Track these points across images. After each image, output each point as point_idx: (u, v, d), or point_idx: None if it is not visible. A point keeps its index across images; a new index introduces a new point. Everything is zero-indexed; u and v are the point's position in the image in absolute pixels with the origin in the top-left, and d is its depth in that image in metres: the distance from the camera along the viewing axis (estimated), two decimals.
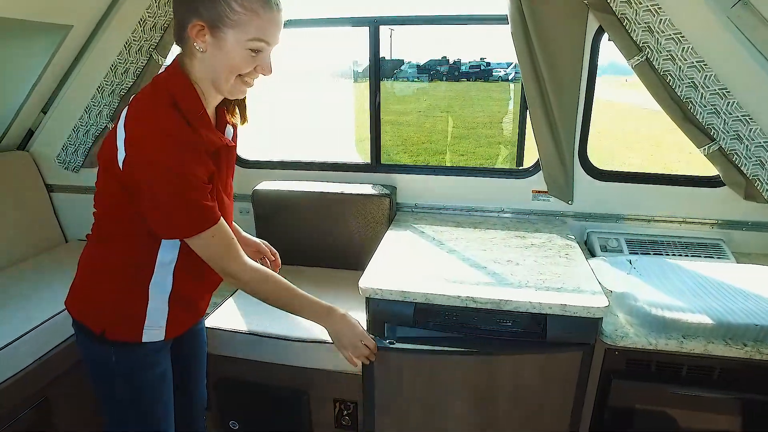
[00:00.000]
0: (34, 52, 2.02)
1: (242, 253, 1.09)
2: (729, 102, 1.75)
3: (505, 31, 1.89)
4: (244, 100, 1.15)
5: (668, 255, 1.87)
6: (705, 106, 1.78)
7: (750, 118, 1.75)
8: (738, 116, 1.76)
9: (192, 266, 1.11)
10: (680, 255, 1.86)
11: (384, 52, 2.16)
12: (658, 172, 1.99)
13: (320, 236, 2.16)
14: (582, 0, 1.77)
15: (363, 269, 1.56)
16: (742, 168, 1.81)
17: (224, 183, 1.15)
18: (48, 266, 2.19)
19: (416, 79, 16.32)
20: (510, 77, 14.73)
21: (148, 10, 2.02)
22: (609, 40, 1.83)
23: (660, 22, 1.72)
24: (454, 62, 16.65)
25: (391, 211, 2.10)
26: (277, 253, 1.48)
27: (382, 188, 2.12)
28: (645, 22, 1.74)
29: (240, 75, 1.01)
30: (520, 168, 2.14)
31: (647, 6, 1.71)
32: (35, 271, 2.14)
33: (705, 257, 1.85)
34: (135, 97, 1.03)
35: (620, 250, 1.89)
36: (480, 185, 2.13)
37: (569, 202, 2.01)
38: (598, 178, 2.00)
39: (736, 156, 1.80)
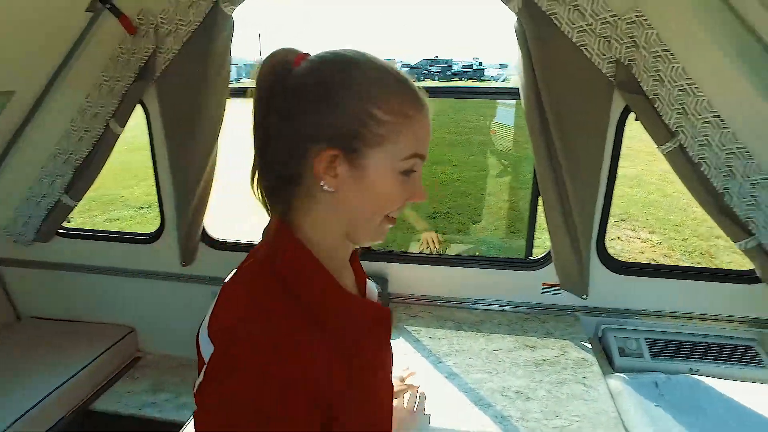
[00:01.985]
0: None
1: None
2: None
3: (500, 32, 1.65)
4: None
5: (694, 359, 1.65)
6: (744, 197, 1.55)
7: None
8: None
9: None
10: (707, 359, 1.65)
11: None
12: (685, 265, 1.77)
13: None
14: (607, 76, 1.53)
15: None
16: None
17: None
18: None
19: None
20: (500, 79, 14.51)
21: (104, 74, 1.75)
22: (636, 119, 1.60)
23: (697, 103, 1.49)
24: (446, 61, 16.39)
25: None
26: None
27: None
28: (680, 103, 1.50)
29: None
30: (530, 259, 1.89)
31: (683, 85, 1.48)
32: None
33: (737, 363, 1.63)
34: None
35: (640, 354, 1.67)
36: (484, 278, 1.88)
37: (584, 297, 1.78)
38: (617, 272, 1.77)
39: None
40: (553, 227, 1.69)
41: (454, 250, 3.79)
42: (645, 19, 1.45)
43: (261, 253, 0.67)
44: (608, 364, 1.68)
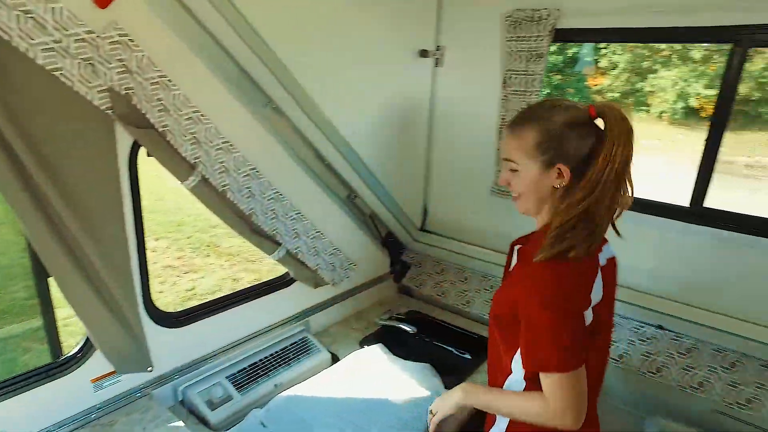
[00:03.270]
0: None
1: None
2: (284, 204, 1.70)
3: None
4: None
5: (274, 373, 1.70)
6: (266, 213, 1.66)
7: (299, 213, 1.77)
8: (293, 216, 1.75)
9: None
10: (283, 367, 1.74)
11: None
12: (233, 292, 1.75)
13: None
14: (101, 109, 1.21)
15: None
16: (306, 263, 1.84)
17: None
18: None
19: None
20: None
21: None
22: (149, 155, 1.38)
23: (206, 131, 1.42)
24: None
25: None
26: None
27: None
28: (191, 133, 1.39)
29: None
30: (62, 359, 1.34)
31: (189, 113, 1.37)
32: None
33: (302, 358, 1.80)
34: None
35: (229, 396, 1.56)
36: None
37: (149, 370, 1.47)
38: (173, 326, 1.54)
39: (299, 253, 1.81)
40: (81, 307, 1.25)
41: None
42: (131, 40, 1.21)
43: None
44: (205, 426, 1.49)
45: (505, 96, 1.99)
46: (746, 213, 1.62)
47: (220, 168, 1.48)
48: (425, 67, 2.15)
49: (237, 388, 1.59)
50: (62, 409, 1.33)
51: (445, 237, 2.35)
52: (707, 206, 1.68)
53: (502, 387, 1.16)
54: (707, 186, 1.68)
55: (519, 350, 1.07)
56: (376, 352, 1.81)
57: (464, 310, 2.18)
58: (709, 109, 9.27)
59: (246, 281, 4.85)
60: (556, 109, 1.05)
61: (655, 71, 9.48)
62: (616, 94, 9.93)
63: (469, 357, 1.95)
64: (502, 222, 2.10)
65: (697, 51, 8.86)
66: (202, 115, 1.40)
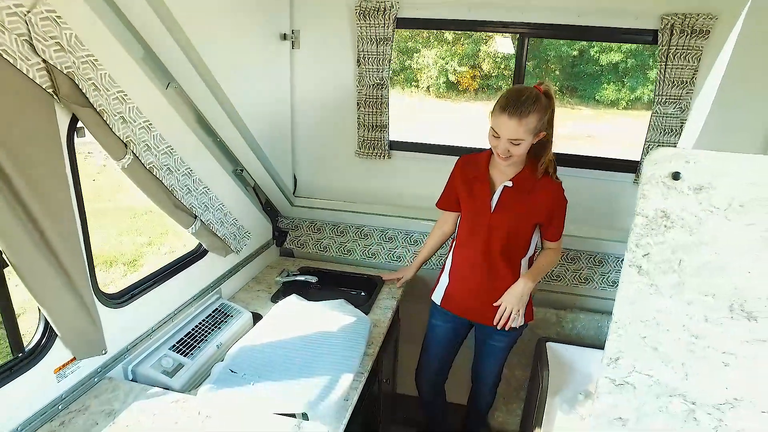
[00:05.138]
0: None
1: None
2: (194, 180, 1.79)
3: None
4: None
5: (208, 336, 1.81)
6: (182, 189, 1.73)
7: (206, 187, 1.88)
8: (202, 190, 1.85)
9: None
10: (213, 329, 1.85)
11: None
12: (162, 266, 1.77)
13: None
14: (44, 87, 1.17)
15: None
16: (217, 233, 1.96)
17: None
18: None
19: None
20: None
21: None
22: (79, 137, 1.35)
23: (130, 111, 1.46)
24: None
25: None
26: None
27: None
28: (118, 113, 1.41)
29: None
30: (27, 351, 1.23)
31: (114, 93, 1.39)
32: None
33: (227, 318, 1.93)
34: None
35: (180, 364, 1.63)
36: None
37: (104, 352, 1.45)
38: (117, 306, 1.52)
39: (211, 225, 1.91)
40: (42, 289, 1.21)
41: None
42: (58, 16, 1.20)
43: None
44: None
45: (360, 73, 2.38)
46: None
47: (143, 146, 1.52)
48: (285, 49, 2.39)
49: (184, 356, 1.68)
50: (31, 404, 1.26)
51: (317, 199, 2.66)
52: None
53: (519, 262, 1.88)
54: None
55: (538, 232, 1.90)
56: (294, 300, 2.06)
57: (348, 258, 2.56)
58: (465, 82, 11.29)
59: None
60: (538, 101, 1.63)
61: (418, 51, 11.09)
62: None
63: (364, 294, 2.35)
64: (366, 179, 2.54)
65: (450, 34, 10.68)
66: (125, 95, 1.43)
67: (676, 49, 1.94)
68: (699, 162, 0.85)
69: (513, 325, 1.87)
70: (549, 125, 1.71)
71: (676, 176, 0.88)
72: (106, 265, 5.33)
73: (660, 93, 2.06)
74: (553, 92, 1.69)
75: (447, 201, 2.03)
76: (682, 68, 1.97)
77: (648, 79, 10.69)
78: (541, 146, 1.75)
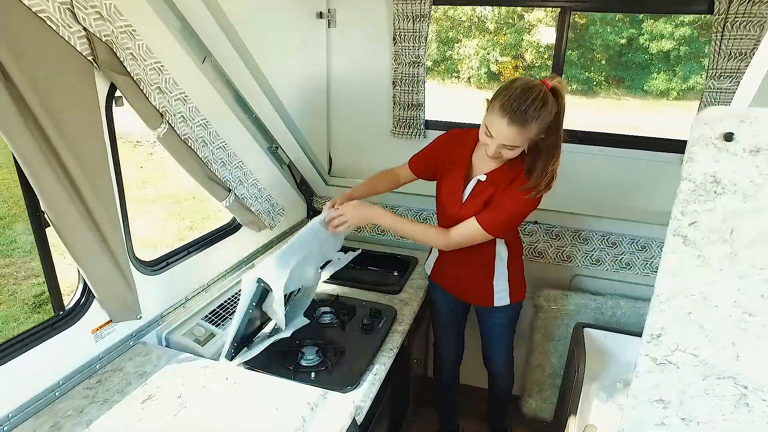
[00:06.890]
0: None
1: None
2: (229, 153, 1.81)
3: None
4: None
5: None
6: (216, 162, 1.76)
7: (240, 162, 1.89)
8: (236, 164, 1.87)
9: None
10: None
11: None
12: (195, 239, 1.81)
13: None
14: (83, 55, 1.21)
15: None
16: (251, 208, 1.98)
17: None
18: None
19: None
20: None
21: None
22: (117, 105, 1.39)
23: (166, 82, 1.48)
24: None
25: None
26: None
27: None
28: (155, 83, 1.43)
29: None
30: (67, 309, 1.29)
31: (152, 63, 1.41)
32: None
33: None
34: None
35: (211, 333, 1.66)
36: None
37: (139, 317, 1.49)
38: (152, 273, 1.57)
39: (245, 199, 1.93)
40: (81, 250, 1.25)
41: None
42: None
43: None
44: None
45: (395, 51, 2.34)
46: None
47: (179, 117, 1.55)
48: (321, 27, 2.38)
49: (215, 326, 1.71)
50: (71, 360, 1.32)
51: (352, 179, 2.65)
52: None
53: (494, 242, 1.74)
54: None
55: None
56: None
57: (380, 239, 2.55)
58: (507, 73, 11.05)
59: None
60: (545, 105, 1.39)
61: (459, 41, 10.89)
62: (429, 63, 11.18)
63: (396, 273, 2.33)
64: (401, 159, 2.50)
65: (491, 23, 10.45)
66: (162, 66, 1.45)
67: (735, 17, 1.80)
68: (756, 121, 0.77)
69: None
70: (556, 129, 1.45)
71: (728, 137, 0.80)
72: (150, 248, 5.54)
73: (714, 66, 1.92)
74: (563, 89, 1.43)
75: (419, 163, 1.86)
76: (741, 38, 1.82)
77: (702, 67, 10.12)
78: (537, 152, 1.52)
